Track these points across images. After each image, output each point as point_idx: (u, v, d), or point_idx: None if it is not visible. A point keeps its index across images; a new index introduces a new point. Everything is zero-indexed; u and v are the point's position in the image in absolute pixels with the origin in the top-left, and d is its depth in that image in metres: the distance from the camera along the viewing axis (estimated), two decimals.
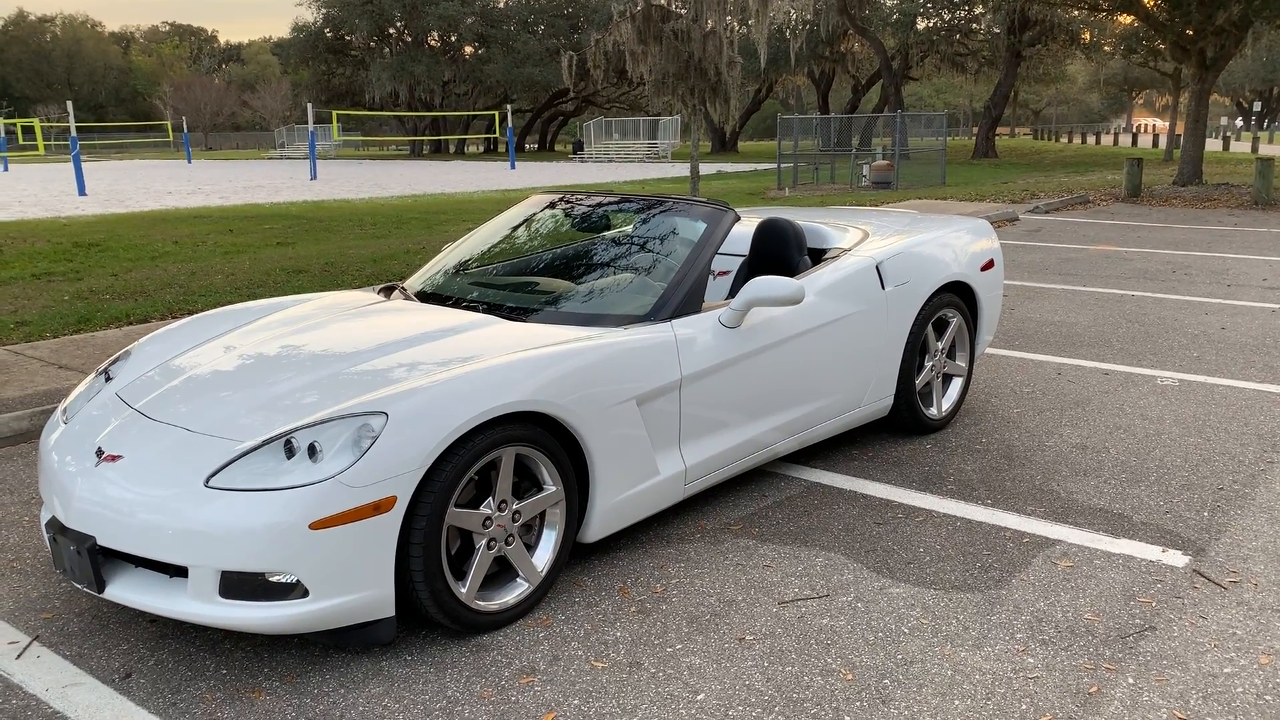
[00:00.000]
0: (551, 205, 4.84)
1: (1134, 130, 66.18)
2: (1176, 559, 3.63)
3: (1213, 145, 47.16)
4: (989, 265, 5.33)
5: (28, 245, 12.42)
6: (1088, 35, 37.70)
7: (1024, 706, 2.75)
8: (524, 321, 3.77)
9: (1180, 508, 4.11)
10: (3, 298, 8.64)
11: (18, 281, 9.55)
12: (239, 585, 2.82)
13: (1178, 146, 30.52)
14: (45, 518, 3.31)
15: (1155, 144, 52.27)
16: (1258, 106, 66.45)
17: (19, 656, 3.06)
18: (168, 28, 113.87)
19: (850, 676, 2.91)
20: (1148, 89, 63.87)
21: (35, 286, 9.24)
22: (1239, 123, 74.37)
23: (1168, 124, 39.76)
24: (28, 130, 54.25)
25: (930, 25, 40.17)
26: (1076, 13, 29.51)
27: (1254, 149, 43.09)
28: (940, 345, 5.08)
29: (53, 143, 62.89)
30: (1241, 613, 3.25)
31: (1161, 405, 5.53)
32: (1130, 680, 2.87)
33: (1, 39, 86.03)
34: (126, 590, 2.95)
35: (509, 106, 40.16)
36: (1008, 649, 3.04)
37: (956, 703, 2.77)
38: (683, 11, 14.64)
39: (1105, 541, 3.79)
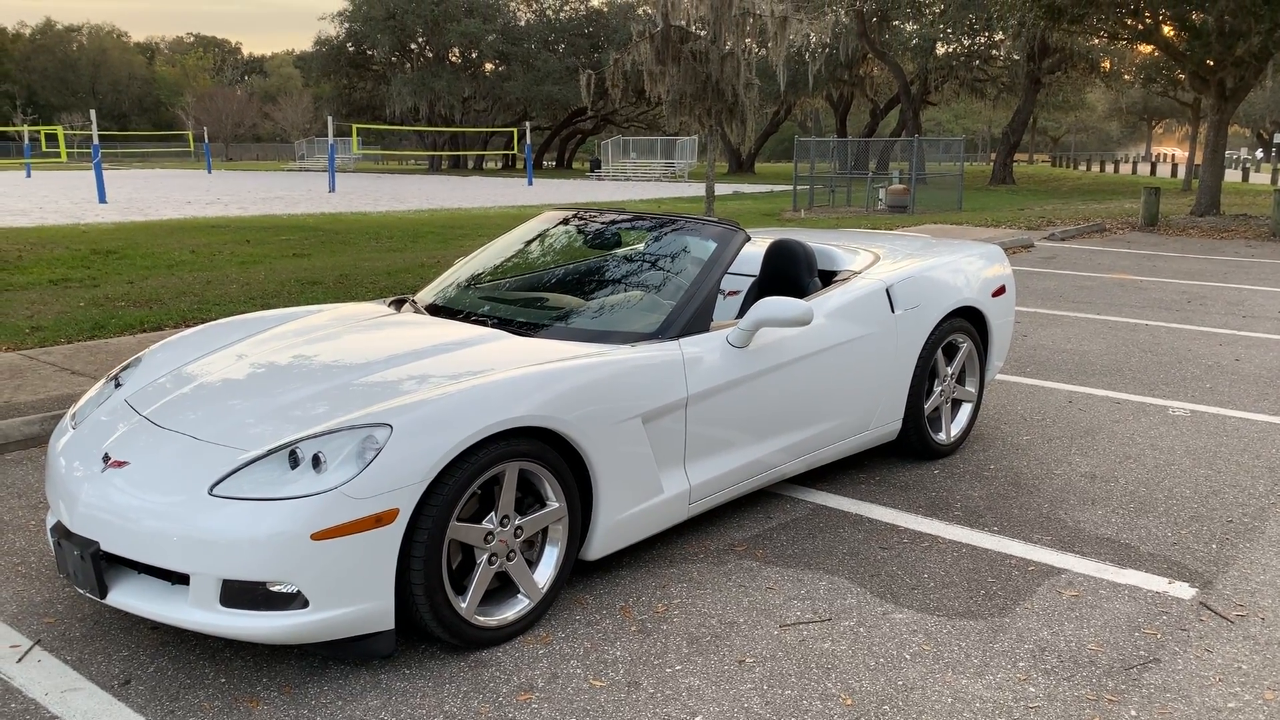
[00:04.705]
0: (564, 222, 4.86)
1: (1153, 159, 65.94)
2: (1183, 591, 3.60)
3: (1232, 176, 47.01)
4: (1000, 291, 5.31)
5: (46, 251, 12.53)
6: (1107, 64, 37.67)
7: None
8: (533, 337, 3.78)
9: (1188, 539, 4.08)
10: (20, 303, 8.71)
11: (35, 287, 9.63)
12: (240, 594, 2.82)
13: (1196, 176, 30.41)
14: (51, 522, 3.34)
15: (1174, 173, 52.12)
16: (1278, 138, 66.19)
17: (20, 660, 3.07)
18: (192, 39, 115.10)
19: (850, 701, 2.89)
20: (1167, 118, 63.72)
21: (52, 292, 9.32)
22: (1259, 154, 74.07)
23: (1187, 153, 39.66)
24: (51, 138, 54.80)
25: (950, 50, 40.20)
26: (1096, 41, 29.48)
27: (1274, 180, 42.92)
28: (950, 370, 5.06)
29: (75, 150, 63.44)
30: (1248, 647, 3.21)
31: (1172, 436, 5.50)
32: (1132, 712, 2.84)
33: (29, 47, 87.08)
34: (128, 596, 2.96)
35: (528, 124, 40.40)
36: (1009, 677, 3.02)
37: None
38: (701, 33, 14.72)
39: (1111, 571, 3.76)
